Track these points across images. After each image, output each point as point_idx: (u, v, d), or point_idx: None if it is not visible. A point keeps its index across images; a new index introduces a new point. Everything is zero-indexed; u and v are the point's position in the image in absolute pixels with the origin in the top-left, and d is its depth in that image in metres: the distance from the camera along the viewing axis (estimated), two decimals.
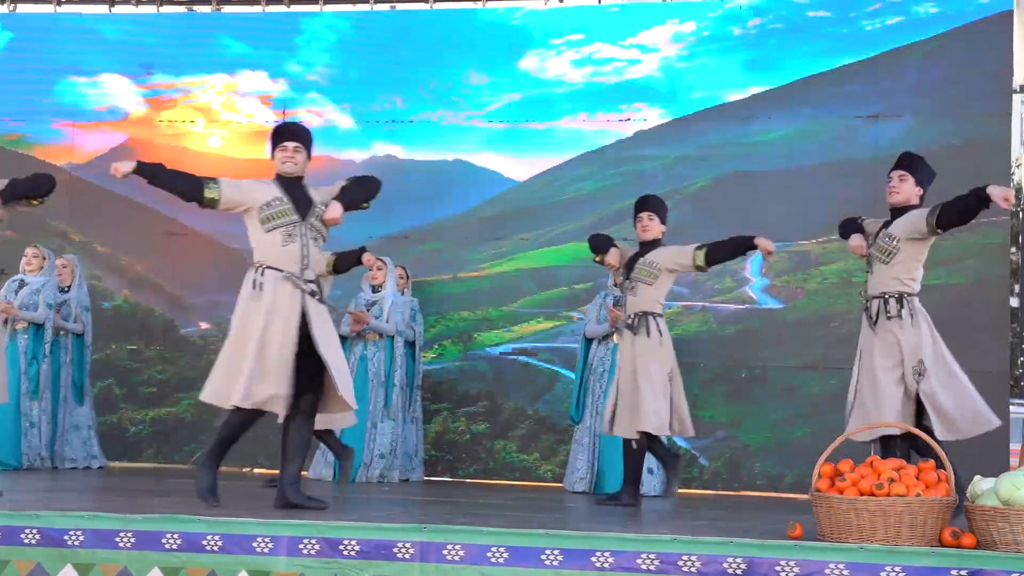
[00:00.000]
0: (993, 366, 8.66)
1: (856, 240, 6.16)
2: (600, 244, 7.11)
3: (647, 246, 6.97)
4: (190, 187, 5.74)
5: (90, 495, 6.70)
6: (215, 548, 4.76)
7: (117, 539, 4.80)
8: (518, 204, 9.73)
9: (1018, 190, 8.72)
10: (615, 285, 7.51)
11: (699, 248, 6.81)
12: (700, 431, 8.91)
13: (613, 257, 7.02)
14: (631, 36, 9.65)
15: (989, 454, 8.19)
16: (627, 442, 6.90)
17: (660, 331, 6.83)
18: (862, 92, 9.17)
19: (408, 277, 9.25)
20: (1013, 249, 9.05)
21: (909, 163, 6.20)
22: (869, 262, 6.13)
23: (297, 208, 5.76)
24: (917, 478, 4.76)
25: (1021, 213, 9.09)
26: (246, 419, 5.69)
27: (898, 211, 6.11)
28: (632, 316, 6.88)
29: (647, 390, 6.76)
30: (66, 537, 4.81)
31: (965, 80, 8.98)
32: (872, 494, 4.65)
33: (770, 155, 9.23)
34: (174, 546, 4.77)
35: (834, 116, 9.23)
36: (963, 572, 4.33)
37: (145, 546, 4.79)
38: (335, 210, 5.79)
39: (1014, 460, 8.83)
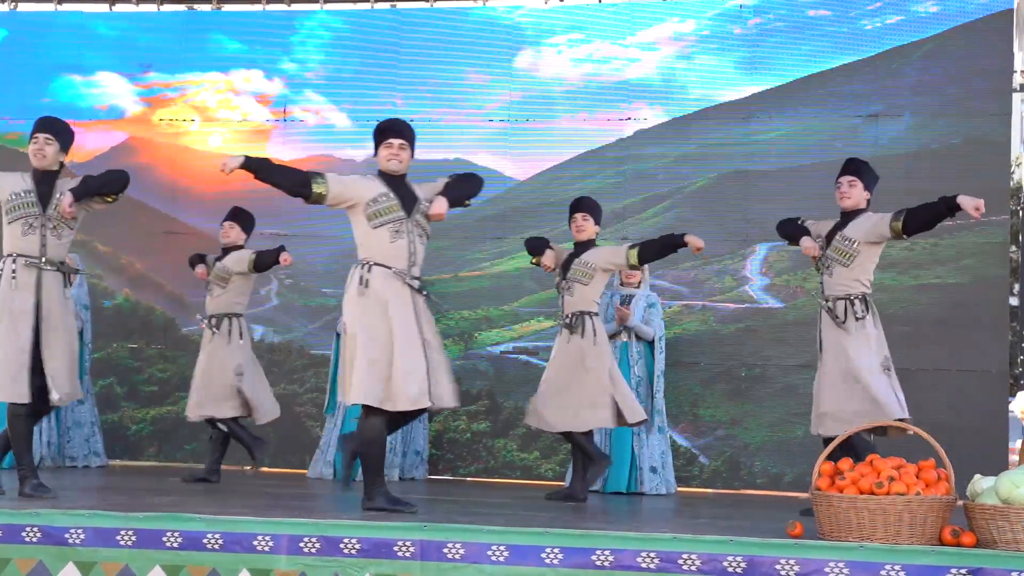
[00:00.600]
0: (993, 365, 8.67)
1: (808, 241, 6.40)
2: (536, 246, 7.36)
3: (582, 247, 7.18)
4: (297, 182, 5.71)
5: (91, 493, 6.70)
6: (216, 546, 4.76)
7: (118, 537, 4.81)
8: (518, 203, 9.72)
9: (1017, 189, 8.76)
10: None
11: (632, 247, 7.01)
12: (700, 430, 8.94)
13: (548, 258, 7.26)
14: (631, 35, 9.66)
15: (988, 453, 8.22)
16: (568, 436, 7.12)
17: (595, 330, 7.05)
18: (862, 91, 9.18)
19: None
20: (1013, 248, 9.07)
21: (857, 169, 6.44)
22: (825, 264, 6.36)
23: (403, 204, 5.75)
24: (917, 476, 4.77)
25: (1021, 212, 9.11)
26: (385, 423, 5.67)
27: (848, 215, 6.36)
28: (569, 316, 7.09)
29: (607, 385, 7.02)
30: (67, 535, 4.82)
31: (965, 79, 8.99)
32: (872, 493, 4.66)
33: (770, 154, 9.23)
34: (175, 544, 4.78)
35: (834, 115, 9.22)
36: (963, 571, 4.33)
37: (146, 544, 4.80)
38: (441, 206, 5.78)
39: (1013, 459, 8.85)
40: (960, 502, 4.78)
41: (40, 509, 4.93)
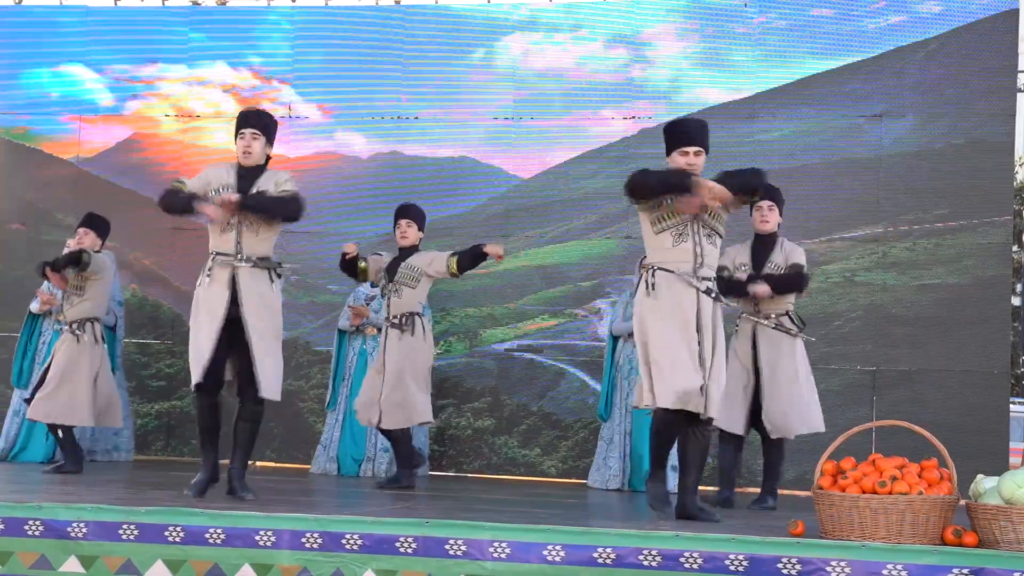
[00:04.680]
0: (995, 365, 8.68)
1: (761, 287, 6.66)
2: (350, 266, 7.58)
3: (406, 251, 7.53)
4: (679, 181, 5.62)
5: (94, 487, 6.70)
6: (218, 541, 4.77)
7: (120, 531, 4.82)
8: (523, 201, 9.73)
9: (1020, 189, 8.76)
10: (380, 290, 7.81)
11: (452, 255, 7.37)
12: None
13: (371, 272, 7.59)
14: (635, 33, 9.66)
15: (990, 453, 8.23)
16: (394, 432, 7.39)
17: (424, 329, 7.43)
18: (865, 91, 9.18)
19: None
20: (1015, 248, 9.06)
21: (773, 196, 6.85)
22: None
23: None
24: (919, 476, 4.77)
25: (1023, 212, 9.09)
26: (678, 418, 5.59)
27: (764, 238, 6.86)
28: (398, 316, 7.38)
29: (419, 385, 7.33)
30: (69, 529, 4.83)
31: (968, 79, 8.99)
32: (874, 492, 4.67)
33: (773, 153, 9.22)
34: (177, 539, 4.79)
35: (837, 115, 9.23)
36: (965, 571, 4.33)
37: (148, 538, 4.80)
38: (723, 196, 5.63)
39: (1014, 459, 8.86)
40: (962, 502, 4.78)
41: (43, 503, 4.94)
